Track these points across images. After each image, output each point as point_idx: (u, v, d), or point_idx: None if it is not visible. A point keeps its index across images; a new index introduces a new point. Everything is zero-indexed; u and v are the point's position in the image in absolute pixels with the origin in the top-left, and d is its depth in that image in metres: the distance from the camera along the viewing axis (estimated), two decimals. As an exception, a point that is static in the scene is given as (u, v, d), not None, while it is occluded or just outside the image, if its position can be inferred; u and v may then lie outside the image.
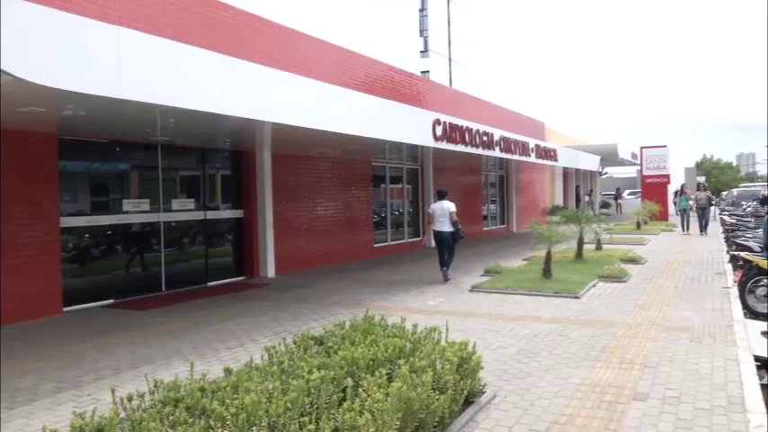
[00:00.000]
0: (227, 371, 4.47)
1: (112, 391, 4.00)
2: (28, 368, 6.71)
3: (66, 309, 9.86)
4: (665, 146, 33.25)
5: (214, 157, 13.36)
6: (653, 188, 31.77)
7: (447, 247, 12.62)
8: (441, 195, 12.98)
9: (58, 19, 5.88)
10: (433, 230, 12.72)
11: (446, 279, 12.42)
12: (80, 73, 5.91)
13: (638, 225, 25.35)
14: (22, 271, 9.21)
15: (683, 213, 24.65)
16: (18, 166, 9.20)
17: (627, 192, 48.46)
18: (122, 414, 3.80)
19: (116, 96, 6.22)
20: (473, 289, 11.22)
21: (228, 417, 3.55)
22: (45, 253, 9.57)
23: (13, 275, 9.06)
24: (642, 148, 33.58)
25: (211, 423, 3.57)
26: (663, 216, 28.98)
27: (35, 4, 5.84)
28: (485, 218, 26.02)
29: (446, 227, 12.53)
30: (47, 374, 6.47)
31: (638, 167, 36.37)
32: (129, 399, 3.84)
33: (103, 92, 6.11)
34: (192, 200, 12.65)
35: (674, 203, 29.12)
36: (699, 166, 71.18)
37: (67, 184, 10.20)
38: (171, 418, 3.63)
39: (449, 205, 12.59)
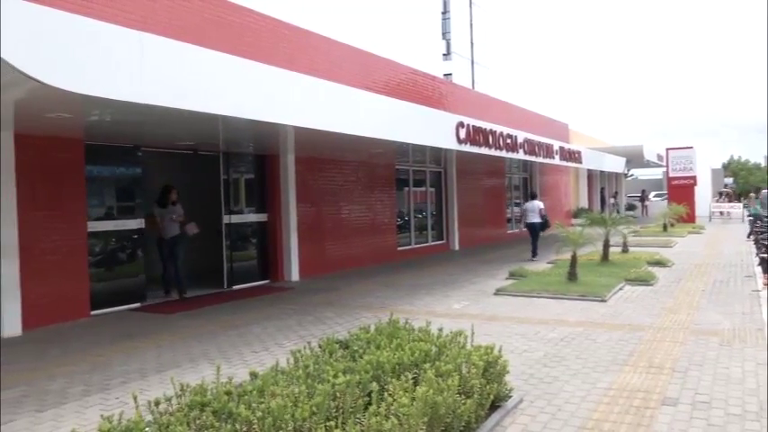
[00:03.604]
0: (253, 374, 4.47)
1: (134, 397, 4.02)
2: (56, 371, 6.78)
3: (93, 312, 9.95)
4: (691, 147, 32.82)
5: (238, 162, 13.42)
6: (679, 190, 31.35)
7: (535, 234, 16.72)
8: (533, 196, 17.91)
9: (82, 25, 5.94)
10: (526, 222, 17.16)
11: (534, 256, 16.38)
12: (104, 78, 5.96)
13: (665, 227, 25.04)
14: (50, 275, 9.32)
15: (757, 219, 21.93)
16: (46, 170, 9.31)
17: (653, 194, 47.98)
18: (149, 417, 3.81)
19: (139, 101, 6.27)
20: (498, 292, 11.15)
21: (255, 421, 3.54)
22: (72, 257, 9.68)
23: (41, 279, 9.16)
24: (668, 149, 33.18)
25: (237, 427, 3.57)
26: (690, 218, 28.62)
27: (61, 11, 5.92)
28: (508, 220, 25.88)
29: (536, 219, 16.71)
30: (75, 377, 6.53)
31: (664, 169, 35.96)
32: (157, 403, 3.86)
33: (127, 97, 6.15)
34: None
35: (745, 207, 28.52)
36: (726, 167, 70.21)
37: (93, 189, 10.31)
38: (198, 421, 3.63)
39: (538, 203, 17.00)
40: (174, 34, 8.43)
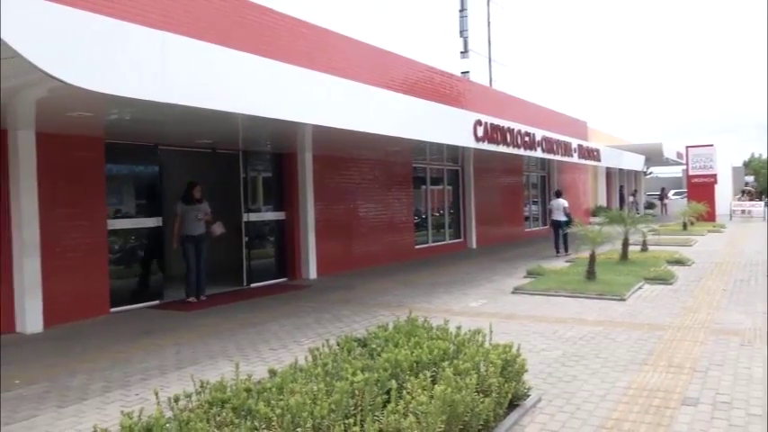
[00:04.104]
0: (272, 372, 4.49)
1: (156, 393, 4.06)
2: (78, 367, 6.85)
3: (113, 309, 10.05)
4: (711, 145, 32.51)
5: (256, 160, 13.48)
6: (699, 188, 31.08)
7: (559, 230, 17.39)
8: (557, 195, 18.39)
9: (104, 24, 6.00)
10: (551, 219, 17.99)
11: (558, 253, 17.10)
12: (126, 77, 6.01)
13: (685, 226, 24.83)
14: (70, 272, 9.42)
15: None
16: (67, 169, 9.40)
17: (672, 192, 47.59)
18: (169, 414, 3.84)
19: (161, 100, 6.32)
20: (516, 291, 11.11)
21: (274, 418, 3.56)
22: (93, 254, 9.77)
23: (62, 277, 9.26)
24: (688, 147, 32.90)
25: (257, 424, 3.59)
26: (710, 217, 28.35)
27: (83, 11, 5.97)
28: (526, 219, 25.78)
29: (560, 216, 17.39)
30: (95, 374, 6.60)
31: (684, 167, 35.65)
32: (177, 399, 3.89)
33: (149, 96, 6.21)
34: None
35: (767, 205, 28.10)
36: (747, 165, 69.36)
37: (113, 187, 10.40)
38: (218, 418, 3.66)
39: (563, 201, 17.71)
40: (195, 33, 8.48)
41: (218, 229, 11.39)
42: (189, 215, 10.95)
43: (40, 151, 8.95)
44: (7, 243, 8.78)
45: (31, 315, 8.79)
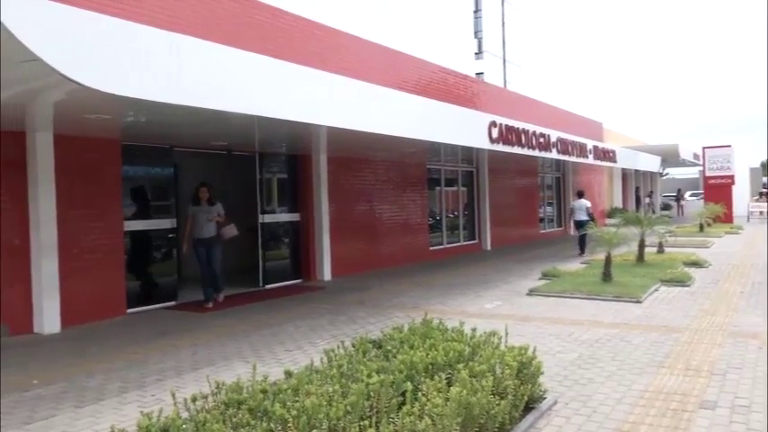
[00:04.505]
0: (288, 373, 4.51)
1: (173, 394, 4.08)
2: (95, 368, 6.90)
3: (129, 310, 10.11)
4: (729, 146, 32.21)
5: (271, 162, 13.53)
6: (716, 189, 30.81)
7: (582, 230, 17.45)
8: (579, 195, 18.81)
9: (121, 28, 6.04)
10: (574, 220, 18.54)
11: (582, 253, 17.31)
12: (142, 80, 6.05)
13: (701, 227, 24.63)
14: (87, 273, 9.49)
15: None
16: (84, 171, 9.48)
17: (689, 193, 47.24)
18: (185, 415, 3.86)
19: (177, 102, 6.35)
20: (531, 292, 11.08)
21: (290, 419, 3.57)
22: (109, 255, 9.84)
23: (79, 278, 9.33)
24: (704, 148, 32.63)
25: (273, 425, 3.60)
26: (727, 218, 28.11)
27: (98, 14, 6.02)
28: (541, 220, 25.70)
29: (583, 216, 17.85)
30: (112, 375, 6.64)
31: (701, 168, 35.37)
32: (194, 400, 3.91)
33: (165, 98, 6.24)
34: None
35: None
36: (765, 166, 68.71)
37: (129, 188, 10.47)
38: (234, 419, 3.67)
39: (585, 202, 18.28)
40: (209, 35, 8.51)
41: (229, 231, 10.90)
42: (199, 217, 10.61)
43: (57, 153, 9.02)
44: (25, 244, 8.86)
45: (48, 316, 8.86)
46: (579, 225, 17.97)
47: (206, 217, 10.59)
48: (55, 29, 5.23)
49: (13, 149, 8.76)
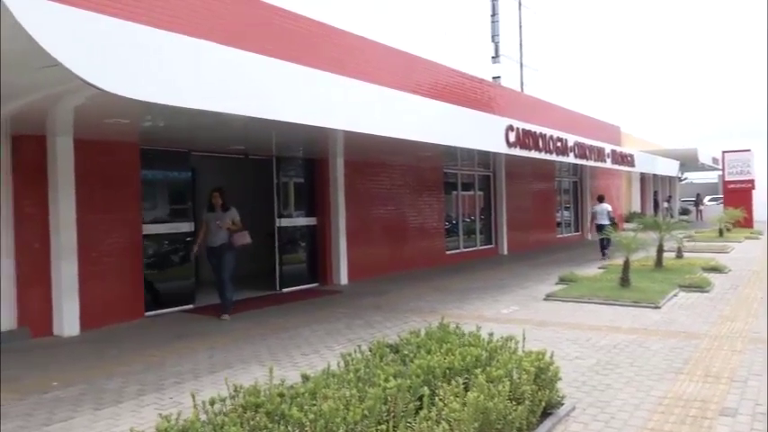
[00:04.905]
0: (305, 377, 4.51)
1: (192, 396, 4.10)
2: (113, 371, 6.95)
3: (147, 313, 10.18)
4: (748, 150, 31.91)
5: (288, 166, 13.58)
6: (736, 194, 30.52)
7: (603, 234, 17.34)
8: (600, 200, 19.08)
9: (141, 33, 6.10)
10: (596, 224, 18.40)
11: (604, 256, 17.45)
12: (162, 85, 6.10)
13: (721, 232, 24.41)
14: (106, 276, 9.57)
15: None
16: (103, 174, 9.56)
17: (708, 197, 46.81)
18: (203, 417, 3.88)
19: (196, 107, 6.40)
20: (548, 297, 11.02)
21: (307, 423, 3.58)
22: (128, 259, 9.91)
23: (98, 281, 9.41)
24: (724, 152, 32.36)
25: (290, 429, 3.61)
26: (747, 223, 27.83)
27: (120, 20, 6.08)
28: (558, 225, 25.57)
29: (605, 221, 17.94)
30: (130, 377, 6.68)
31: (720, 172, 35.07)
32: (212, 403, 3.92)
33: (184, 103, 6.28)
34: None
35: None
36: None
37: (147, 192, 10.55)
38: (251, 422, 3.69)
39: (606, 206, 18.61)
40: (226, 40, 8.55)
41: (240, 238, 10.11)
42: (211, 224, 10.17)
43: (77, 157, 9.11)
44: (45, 247, 8.95)
45: (68, 318, 8.94)
46: (600, 229, 17.91)
47: (217, 224, 10.12)
48: (75, 34, 5.29)
49: (34, 154, 8.86)
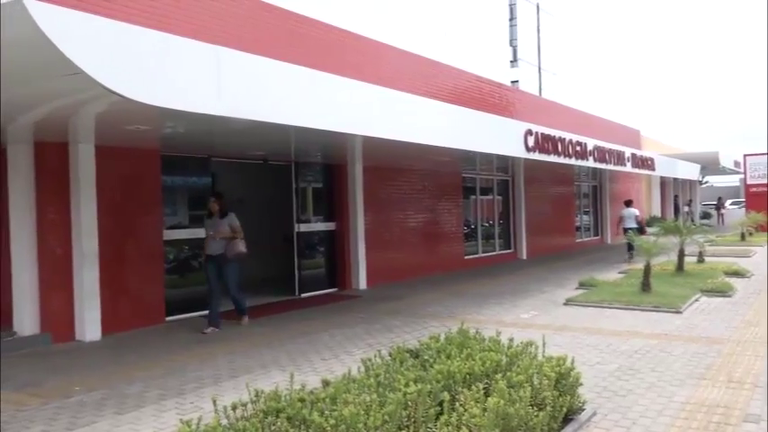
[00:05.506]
0: (325, 382, 4.53)
1: (214, 401, 4.12)
2: (134, 375, 7.00)
3: (168, 318, 10.25)
4: (770, 153, 31.58)
5: (307, 171, 13.62)
6: (758, 197, 30.19)
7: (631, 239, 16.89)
8: (627, 204, 19.53)
9: (162, 41, 6.15)
10: (623, 227, 18.56)
11: (631, 258, 17.49)
12: (183, 91, 6.16)
13: (743, 236, 24.14)
14: (127, 282, 9.65)
15: None
16: (124, 181, 9.66)
17: (729, 201, 46.35)
18: (224, 422, 3.90)
19: (217, 113, 6.44)
20: (567, 302, 10.96)
21: (328, 428, 3.59)
22: (149, 264, 9.99)
23: (119, 286, 9.49)
24: (746, 155, 32.04)
25: (311, 434, 3.62)
26: (770, 227, 27.50)
27: (142, 28, 6.15)
28: (578, 229, 25.42)
29: (632, 224, 18.23)
30: (151, 382, 6.73)
31: (742, 176, 34.69)
32: (233, 408, 3.94)
33: (205, 109, 6.33)
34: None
35: None
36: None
37: (168, 198, 10.62)
38: (272, 427, 3.70)
39: (633, 210, 19.06)
40: (247, 47, 8.61)
41: (235, 248, 9.51)
42: (208, 231, 9.78)
43: (99, 164, 9.20)
44: (67, 253, 9.04)
45: (89, 324, 9.02)
46: (627, 232, 17.89)
47: (210, 234, 9.67)
48: (97, 42, 5.35)
49: (56, 161, 8.97)
